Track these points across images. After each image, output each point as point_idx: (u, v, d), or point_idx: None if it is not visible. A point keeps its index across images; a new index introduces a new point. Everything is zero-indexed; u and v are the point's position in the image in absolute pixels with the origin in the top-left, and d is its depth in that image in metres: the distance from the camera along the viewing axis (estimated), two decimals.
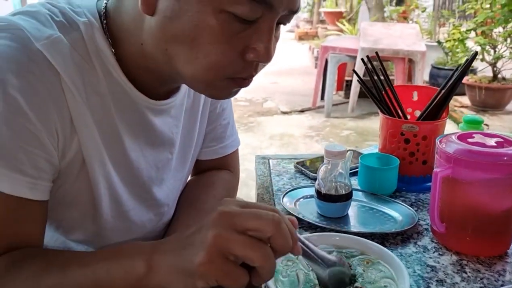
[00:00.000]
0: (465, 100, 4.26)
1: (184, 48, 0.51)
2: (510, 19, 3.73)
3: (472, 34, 4.23)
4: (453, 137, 0.67)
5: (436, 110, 0.88)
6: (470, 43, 4.44)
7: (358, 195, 0.84)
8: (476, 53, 0.87)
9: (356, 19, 7.07)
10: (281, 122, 3.89)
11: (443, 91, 0.87)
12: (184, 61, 0.52)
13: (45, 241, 0.57)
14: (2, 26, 0.52)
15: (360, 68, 3.72)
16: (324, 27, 8.50)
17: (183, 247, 0.45)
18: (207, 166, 0.82)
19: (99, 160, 0.58)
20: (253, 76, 0.55)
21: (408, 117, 0.95)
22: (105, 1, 0.58)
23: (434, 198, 0.65)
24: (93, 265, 0.48)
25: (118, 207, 0.63)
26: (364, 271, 0.56)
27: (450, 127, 0.85)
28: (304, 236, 0.62)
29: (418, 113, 0.96)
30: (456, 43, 4.31)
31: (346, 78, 4.58)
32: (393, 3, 6.68)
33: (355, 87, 3.90)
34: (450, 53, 4.51)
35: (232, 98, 0.65)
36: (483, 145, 0.63)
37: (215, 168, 0.82)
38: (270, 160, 1.06)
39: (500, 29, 4.00)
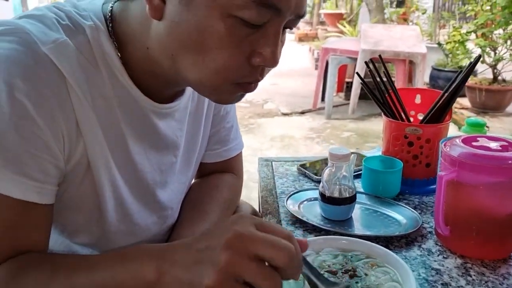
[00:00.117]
0: (465, 102, 4.26)
1: (191, 53, 0.51)
2: (510, 21, 3.74)
3: (473, 36, 4.24)
4: (457, 140, 0.67)
5: (440, 113, 0.88)
6: (470, 45, 4.44)
7: (361, 198, 0.84)
8: (479, 57, 0.87)
9: (356, 20, 7.08)
10: (282, 123, 3.90)
11: (446, 94, 0.87)
12: (190, 66, 0.52)
13: (50, 245, 0.57)
14: (9, 30, 0.52)
15: (360, 70, 3.72)
16: (324, 28, 8.51)
17: (194, 262, 0.44)
18: (210, 169, 0.82)
19: (104, 164, 0.58)
20: (259, 80, 0.55)
21: (411, 120, 0.96)
22: (110, 5, 0.58)
23: (438, 202, 0.65)
24: (100, 270, 0.48)
25: (123, 210, 0.63)
26: (367, 274, 0.56)
27: (450, 129, 0.85)
28: (309, 239, 0.63)
29: (421, 116, 0.96)
30: (457, 45, 4.32)
31: (347, 80, 4.59)
32: (394, 5, 6.69)
33: (356, 88, 3.91)
34: (450, 55, 4.51)
35: None
36: (488, 148, 0.63)
37: (219, 171, 0.82)
38: (273, 163, 1.06)
39: (500, 31, 4.01)
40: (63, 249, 0.64)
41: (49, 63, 0.51)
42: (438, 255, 0.68)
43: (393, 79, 0.93)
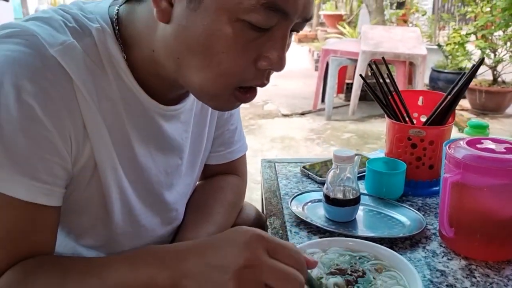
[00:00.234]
0: (465, 103, 4.27)
1: (197, 56, 0.51)
2: (510, 23, 3.75)
3: (472, 37, 4.25)
4: (461, 142, 0.67)
5: (443, 115, 0.88)
6: (470, 47, 4.45)
7: (365, 199, 0.84)
8: (482, 59, 0.88)
9: (356, 22, 7.08)
10: (282, 124, 3.90)
11: (449, 96, 0.87)
12: (196, 69, 0.52)
13: (55, 247, 0.58)
14: (16, 32, 0.52)
15: (361, 71, 3.73)
16: (324, 29, 8.52)
17: (206, 280, 0.45)
18: (215, 171, 0.82)
19: (110, 165, 0.58)
20: (265, 84, 0.55)
21: (414, 122, 0.96)
22: (116, 8, 0.59)
23: (443, 203, 0.65)
24: (111, 275, 0.48)
25: (129, 212, 0.63)
26: (374, 278, 0.56)
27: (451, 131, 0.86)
28: (315, 241, 0.63)
29: (423, 118, 0.96)
30: (456, 46, 4.33)
31: (347, 81, 4.59)
32: (393, 7, 6.70)
33: (356, 90, 3.91)
34: (450, 57, 4.52)
35: None
36: (492, 151, 0.63)
37: (223, 173, 0.83)
38: (276, 164, 1.07)
39: (500, 32, 4.02)
40: (68, 252, 0.64)
41: (57, 65, 0.51)
42: (443, 257, 0.68)
43: (387, 80, 0.93)
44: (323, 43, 5.60)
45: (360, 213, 0.81)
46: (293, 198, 0.84)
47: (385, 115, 0.93)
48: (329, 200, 0.77)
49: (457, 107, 0.86)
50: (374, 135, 3.59)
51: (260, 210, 0.97)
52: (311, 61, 6.57)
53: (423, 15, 6.06)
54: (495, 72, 4.14)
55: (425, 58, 3.67)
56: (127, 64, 0.57)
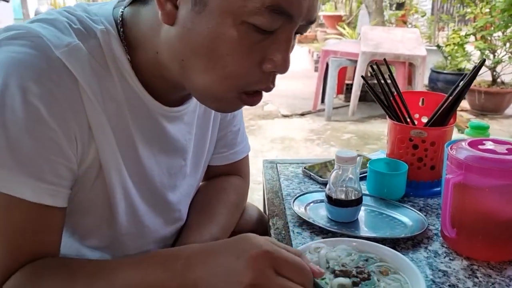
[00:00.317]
0: (464, 104, 4.28)
1: (202, 58, 0.51)
2: (509, 24, 3.76)
3: (472, 38, 4.26)
4: (463, 143, 0.68)
5: (444, 116, 0.89)
6: (469, 48, 4.46)
7: (366, 200, 0.85)
8: (483, 61, 0.88)
9: (355, 22, 7.10)
10: (282, 125, 3.90)
11: (450, 97, 0.88)
12: (200, 71, 0.52)
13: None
14: (22, 34, 0.52)
15: (361, 72, 3.74)
16: (323, 30, 8.53)
17: None
18: (217, 172, 0.82)
19: (115, 166, 0.58)
20: (271, 88, 0.55)
21: (415, 123, 0.96)
22: (121, 10, 0.59)
23: (445, 204, 0.65)
24: (119, 279, 0.49)
25: (133, 213, 0.63)
26: (378, 280, 0.56)
27: None
28: (320, 241, 0.63)
29: (425, 118, 0.97)
30: (456, 47, 4.34)
31: (346, 82, 4.60)
32: (393, 8, 6.72)
33: (356, 90, 3.92)
34: (449, 57, 4.53)
35: None
36: (494, 152, 0.63)
37: (226, 174, 0.83)
38: (278, 165, 1.07)
39: (500, 33, 4.03)
40: (72, 253, 0.64)
41: (62, 66, 0.51)
42: (445, 257, 0.68)
43: (388, 81, 0.94)
44: (322, 44, 5.61)
45: (362, 214, 0.81)
46: (295, 199, 0.84)
47: (387, 116, 0.93)
48: (332, 201, 0.78)
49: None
50: (374, 136, 3.59)
51: (262, 210, 0.97)
52: (311, 61, 6.58)
53: (422, 16, 6.07)
54: (494, 73, 4.15)
55: (425, 59, 3.68)
56: (132, 65, 0.57)
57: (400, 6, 6.70)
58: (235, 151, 0.82)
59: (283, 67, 0.52)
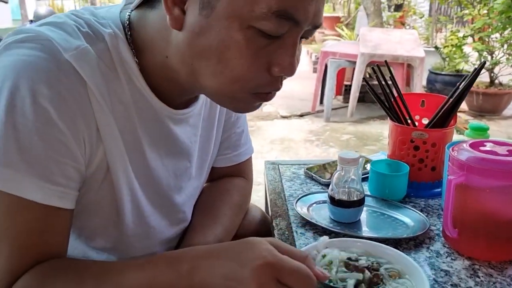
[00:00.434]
0: (462, 105, 4.26)
1: (211, 62, 0.52)
2: (507, 26, 3.78)
3: (470, 40, 4.28)
4: (464, 145, 0.69)
5: (444, 118, 0.90)
6: (467, 49, 4.49)
7: (368, 201, 0.86)
8: (484, 63, 0.90)
9: (353, 24, 7.12)
10: (281, 126, 3.92)
11: (451, 99, 0.89)
12: (210, 75, 0.53)
13: None
14: (31, 37, 0.53)
15: (359, 73, 3.75)
16: (322, 31, 8.53)
17: None
18: (221, 173, 0.83)
19: (122, 168, 0.59)
20: (279, 89, 0.56)
21: (416, 124, 0.97)
22: (128, 13, 0.60)
23: (447, 205, 0.66)
24: (127, 282, 0.50)
25: (139, 214, 0.64)
26: (385, 284, 0.57)
27: None
28: (326, 242, 0.64)
29: (425, 120, 0.98)
30: (454, 48, 4.36)
31: (345, 83, 4.62)
32: (391, 9, 6.74)
33: (355, 92, 3.93)
34: (447, 59, 4.55)
35: None
36: (495, 153, 0.65)
37: (229, 175, 0.84)
38: (280, 166, 1.08)
39: (497, 35, 4.06)
40: (78, 254, 0.64)
41: (71, 69, 0.52)
42: (447, 257, 0.69)
43: (389, 82, 0.95)
44: (321, 45, 5.62)
45: (364, 214, 0.82)
46: (298, 200, 0.85)
47: (388, 118, 0.94)
48: (334, 202, 0.79)
49: None
50: (373, 137, 3.61)
51: (264, 210, 0.98)
52: (309, 63, 6.60)
53: (420, 17, 6.10)
54: (492, 74, 4.18)
55: (423, 60, 3.70)
56: (139, 68, 0.58)
57: (398, 7, 6.73)
58: (239, 152, 0.82)
59: (290, 71, 0.53)
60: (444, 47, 4.53)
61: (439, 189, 0.90)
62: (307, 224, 0.79)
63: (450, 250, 0.71)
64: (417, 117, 0.99)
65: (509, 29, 3.83)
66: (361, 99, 4.19)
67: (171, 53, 0.56)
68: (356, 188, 0.79)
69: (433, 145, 0.88)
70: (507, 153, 0.64)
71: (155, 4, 0.56)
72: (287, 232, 0.77)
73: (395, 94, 0.94)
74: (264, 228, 0.89)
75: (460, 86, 0.89)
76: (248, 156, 0.85)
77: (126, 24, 0.59)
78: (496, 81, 4.19)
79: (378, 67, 0.94)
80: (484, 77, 4.25)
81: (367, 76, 4.23)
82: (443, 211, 0.69)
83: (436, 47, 4.73)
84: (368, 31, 4.07)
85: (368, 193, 0.90)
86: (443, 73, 4.55)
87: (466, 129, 1.02)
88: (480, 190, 0.65)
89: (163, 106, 0.61)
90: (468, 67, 4.50)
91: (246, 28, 0.49)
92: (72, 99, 0.52)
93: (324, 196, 0.86)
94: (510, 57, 4.02)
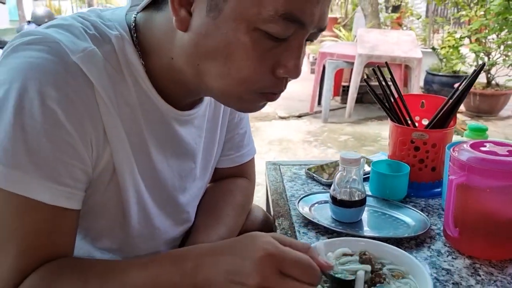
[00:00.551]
0: None
1: (217, 64, 0.53)
2: (504, 27, 3.81)
3: (466, 41, 4.31)
4: (465, 145, 0.70)
5: (444, 119, 0.91)
6: (464, 50, 4.52)
7: (369, 201, 0.87)
8: (483, 65, 0.91)
9: (351, 25, 7.14)
10: (279, 127, 3.93)
11: (451, 100, 0.90)
12: (216, 76, 0.54)
13: None
14: (38, 39, 0.53)
15: (357, 74, 3.77)
16: None
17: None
18: (224, 174, 0.84)
19: (129, 169, 0.59)
20: (283, 91, 0.57)
21: (416, 125, 0.98)
22: (133, 15, 0.60)
23: (448, 204, 0.67)
24: (131, 280, 0.50)
25: (145, 215, 0.65)
26: (389, 283, 0.58)
27: None
28: (328, 241, 0.65)
29: (425, 121, 0.99)
30: (451, 49, 4.39)
31: (343, 84, 4.63)
32: (389, 10, 6.77)
33: (353, 93, 3.95)
34: (444, 60, 4.58)
35: None
36: (496, 153, 0.66)
37: (232, 176, 0.84)
38: (281, 166, 1.09)
39: (494, 36, 4.09)
40: (82, 255, 0.65)
41: (79, 71, 0.53)
42: (448, 256, 0.70)
43: (389, 83, 0.96)
44: (318, 46, 5.64)
45: (365, 214, 0.83)
46: (300, 200, 0.86)
47: (388, 119, 0.95)
48: (336, 202, 0.79)
49: None
50: (371, 137, 3.62)
51: (265, 210, 0.99)
52: (307, 64, 6.61)
53: (418, 18, 6.12)
54: (489, 75, 4.20)
55: (421, 61, 3.72)
56: (145, 70, 0.59)
57: (395, 8, 6.75)
58: (242, 153, 0.83)
59: (295, 73, 0.53)
60: (441, 48, 4.56)
61: (439, 189, 0.91)
62: (309, 224, 0.80)
63: (451, 249, 0.72)
64: (417, 118, 1.00)
65: (506, 30, 3.85)
66: (359, 100, 4.21)
67: (176, 55, 0.56)
68: (357, 188, 0.80)
69: (433, 146, 0.89)
70: (507, 153, 0.65)
71: (162, 6, 0.56)
72: (289, 232, 0.78)
73: (395, 95, 0.95)
74: (266, 228, 0.89)
75: (460, 88, 0.90)
76: (250, 157, 0.86)
77: (132, 26, 0.59)
78: (493, 82, 4.22)
79: (379, 68, 0.95)
80: (481, 78, 4.27)
81: (365, 77, 4.24)
82: (444, 210, 0.70)
83: (433, 48, 4.76)
84: (366, 32, 4.09)
85: (369, 193, 0.91)
86: (440, 74, 4.57)
87: (464, 129, 1.03)
88: (481, 190, 0.66)
89: (169, 108, 0.62)
90: (465, 68, 4.53)
91: (253, 30, 0.50)
92: (80, 101, 0.52)
93: (325, 196, 0.87)
94: (506, 58, 4.05)
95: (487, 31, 4.02)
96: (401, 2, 6.86)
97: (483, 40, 4.16)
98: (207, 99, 0.70)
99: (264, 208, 1.03)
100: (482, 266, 0.67)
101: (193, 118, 0.67)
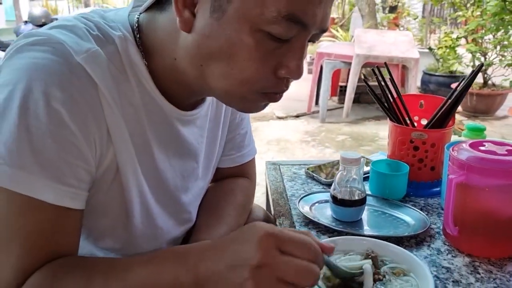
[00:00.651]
0: None
1: (220, 64, 0.53)
2: (500, 27, 3.83)
3: (463, 41, 4.33)
4: (464, 145, 0.70)
5: (443, 119, 0.92)
6: (461, 50, 4.54)
7: (369, 200, 0.87)
8: (482, 65, 0.92)
9: (348, 25, 7.16)
10: (277, 127, 3.93)
11: (449, 100, 0.91)
12: (219, 76, 0.55)
13: None
14: (42, 40, 0.53)
15: (355, 74, 3.78)
16: None
17: (226, 280, 0.47)
18: (225, 174, 0.84)
19: (132, 169, 0.60)
20: (284, 91, 0.57)
21: (415, 125, 0.99)
22: (136, 16, 0.61)
23: (448, 203, 0.68)
24: (135, 277, 0.50)
25: (148, 215, 0.65)
26: (390, 280, 0.59)
27: None
28: (329, 240, 0.66)
29: (424, 121, 1.00)
30: (447, 50, 4.41)
31: (340, 84, 4.65)
32: (386, 11, 6.79)
33: (350, 93, 3.96)
34: (441, 60, 4.60)
35: None
36: (494, 153, 0.66)
37: (233, 176, 0.85)
38: (281, 166, 1.09)
39: (491, 36, 4.11)
40: (85, 254, 0.65)
41: (83, 72, 0.53)
42: (447, 254, 0.71)
43: (388, 83, 0.97)
44: (316, 46, 5.66)
45: (366, 213, 0.84)
46: (300, 199, 0.87)
47: (385, 118, 0.96)
48: (337, 201, 0.80)
49: None
50: (368, 137, 3.64)
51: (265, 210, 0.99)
52: (305, 64, 6.62)
53: (414, 19, 6.15)
54: (485, 75, 4.23)
55: (418, 62, 3.74)
56: (148, 71, 0.59)
57: (392, 9, 6.78)
58: (243, 153, 0.84)
59: (297, 73, 0.54)
60: (438, 48, 4.58)
61: (438, 188, 0.92)
62: (310, 223, 0.81)
63: (451, 248, 0.73)
64: (416, 118, 1.01)
65: (502, 30, 3.88)
66: (356, 100, 4.23)
67: (180, 55, 0.57)
68: (357, 188, 0.80)
69: (432, 145, 0.89)
70: (506, 152, 0.66)
71: (165, 6, 0.57)
72: None
73: (394, 95, 0.96)
74: None
75: (458, 88, 0.90)
76: (251, 157, 0.86)
77: (135, 27, 0.59)
78: (490, 82, 4.24)
79: (378, 69, 0.96)
80: (477, 78, 4.25)
81: (362, 77, 4.26)
82: (444, 209, 0.71)
83: (430, 49, 4.78)
84: (363, 33, 4.10)
85: (369, 192, 0.91)
86: (437, 74, 4.60)
87: (462, 129, 1.04)
88: (480, 189, 0.66)
89: (172, 108, 0.62)
90: (461, 68, 4.56)
91: (256, 31, 0.50)
92: (84, 101, 0.53)
93: (325, 196, 0.87)
94: (503, 59, 4.07)
95: (483, 31, 4.05)
96: (398, 2, 6.89)
97: (480, 41, 4.18)
98: (209, 99, 0.70)
99: (264, 206, 1.04)
100: (482, 264, 0.68)
101: (196, 118, 0.67)
